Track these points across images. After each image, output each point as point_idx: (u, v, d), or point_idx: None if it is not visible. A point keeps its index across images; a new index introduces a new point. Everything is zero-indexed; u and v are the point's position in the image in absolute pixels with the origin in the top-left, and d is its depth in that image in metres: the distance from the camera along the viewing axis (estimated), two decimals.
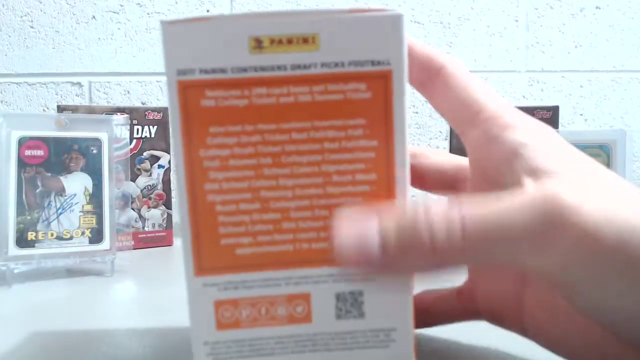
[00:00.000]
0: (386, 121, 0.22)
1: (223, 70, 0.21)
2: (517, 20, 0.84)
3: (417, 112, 0.84)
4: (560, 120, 0.69)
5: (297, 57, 0.21)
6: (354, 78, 0.22)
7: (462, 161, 0.28)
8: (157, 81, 0.77)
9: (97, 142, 0.46)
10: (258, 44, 0.21)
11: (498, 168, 0.21)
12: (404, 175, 0.22)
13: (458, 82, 0.23)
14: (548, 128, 0.22)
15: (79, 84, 0.77)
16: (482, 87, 0.23)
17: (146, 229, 0.61)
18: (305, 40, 0.21)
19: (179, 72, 0.21)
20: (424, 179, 0.29)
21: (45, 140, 0.45)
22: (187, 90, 0.21)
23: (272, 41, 0.21)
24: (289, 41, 0.21)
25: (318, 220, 0.22)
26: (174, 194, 0.63)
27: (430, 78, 0.24)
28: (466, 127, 0.23)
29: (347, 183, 0.22)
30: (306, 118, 0.22)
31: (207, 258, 0.22)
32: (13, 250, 0.44)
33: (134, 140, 0.60)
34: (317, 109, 0.22)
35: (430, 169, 0.29)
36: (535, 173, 0.19)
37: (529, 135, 0.21)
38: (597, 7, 0.84)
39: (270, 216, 0.22)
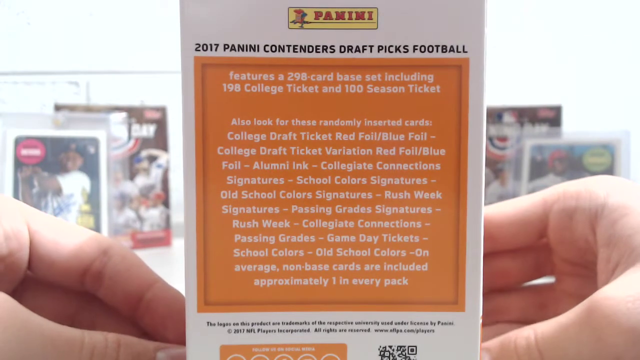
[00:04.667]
0: (459, 125, 0.17)
1: (253, 48, 0.17)
2: (519, 18, 0.82)
3: None
4: (564, 120, 0.66)
5: (348, 36, 0.17)
6: (419, 67, 0.17)
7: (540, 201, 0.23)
8: (156, 79, 0.76)
9: (94, 141, 0.46)
10: (300, 17, 0.17)
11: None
12: (478, 196, 0.17)
13: None
14: None
15: (76, 83, 0.76)
16: None
17: (144, 229, 0.61)
18: (359, 16, 0.17)
19: (197, 46, 0.17)
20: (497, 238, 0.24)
21: (42, 139, 0.45)
22: (207, 70, 0.17)
23: (317, 14, 0.17)
24: (340, 15, 0.17)
25: (362, 247, 0.18)
26: (172, 193, 0.63)
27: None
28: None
29: (403, 202, 0.17)
30: (355, 115, 0.17)
31: (215, 289, 0.17)
32: None
33: (132, 140, 0.60)
34: (370, 104, 0.17)
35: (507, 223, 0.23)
36: None
37: None
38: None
39: (301, 239, 0.17)
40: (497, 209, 0.23)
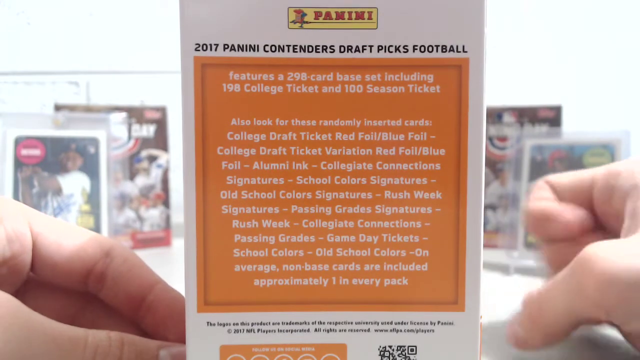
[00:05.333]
0: (458, 125, 0.17)
1: (253, 48, 0.17)
2: (519, 18, 0.82)
3: None
4: (564, 120, 0.66)
5: (348, 36, 0.17)
6: (419, 67, 0.17)
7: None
8: (156, 79, 0.76)
9: (94, 141, 0.46)
10: (299, 17, 0.17)
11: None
12: (478, 196, 0.17)
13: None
14: None
15: (76, 83, 0.77)
16: None
17: (144, 229, 0.61)
18: (359, 16, 0.17)
19: (197, 46, 0.17)
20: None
21: (42, 139, 0.45)
22: (206, 70, 0.17)
23: (317, 14, 0.17)
24: (339, 15, 0.17)
25: (362, 247, 0.17)
26: (172, 193, 0.63)
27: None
28: None
29: (403, 202, 0.17)
30: (355, 115, 0.17)
31: (215, 289, 0.17)
32: None
33: (132, 140, 0.60)
34: (370, 104, 0.17)
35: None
36: None
37: None
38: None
39: (301, 239, 0.17)
40: (557, 178, 0.28)
